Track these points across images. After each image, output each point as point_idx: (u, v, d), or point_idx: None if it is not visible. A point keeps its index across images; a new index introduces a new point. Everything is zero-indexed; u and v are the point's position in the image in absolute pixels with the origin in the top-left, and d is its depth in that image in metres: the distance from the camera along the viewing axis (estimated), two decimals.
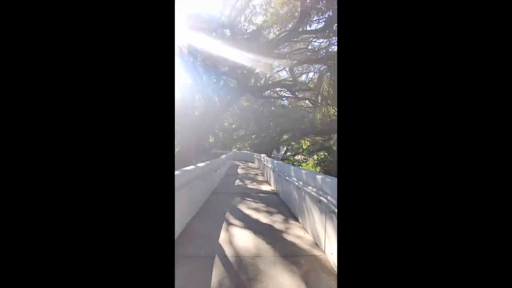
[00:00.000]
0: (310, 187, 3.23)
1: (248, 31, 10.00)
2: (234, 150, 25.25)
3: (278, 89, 16.93)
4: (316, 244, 2.94)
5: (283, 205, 4.87)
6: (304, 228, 3.49)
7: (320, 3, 8.56)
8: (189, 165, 4.87)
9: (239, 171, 11.89)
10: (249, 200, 5.34)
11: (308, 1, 8.29)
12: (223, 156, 10.79)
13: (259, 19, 10.18)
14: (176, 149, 10.32)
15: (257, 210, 4.53)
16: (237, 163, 17.07)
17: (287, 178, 4.66)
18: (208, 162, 6.48)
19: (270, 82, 13.49)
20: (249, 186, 7.50)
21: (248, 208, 4.62)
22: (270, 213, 4.34)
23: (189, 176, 3.91)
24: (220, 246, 2.83)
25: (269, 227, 3.59)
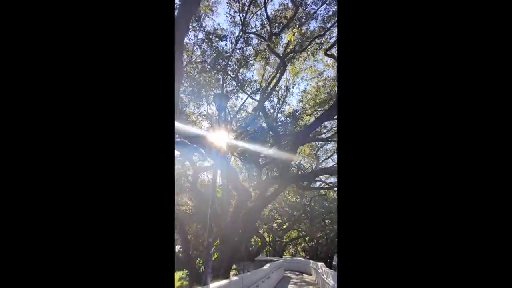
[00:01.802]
0: None
1: (284, 117, 9.71)
2: (287, 256, 21.30)
3: (329, 181, 14.94)
4: None
5: None
6: None
7: None
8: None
9: None
10: None
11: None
12: (267, 265, 8.28)
13: (295, 105, 10.03)
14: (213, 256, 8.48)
15: None
16: (289, 274, 13.43)
17: None
18: (237, 278, 4.59)
19: (317, 169, 12.03)
20: None
21: None
22: None
23: None
24: None
25: None
